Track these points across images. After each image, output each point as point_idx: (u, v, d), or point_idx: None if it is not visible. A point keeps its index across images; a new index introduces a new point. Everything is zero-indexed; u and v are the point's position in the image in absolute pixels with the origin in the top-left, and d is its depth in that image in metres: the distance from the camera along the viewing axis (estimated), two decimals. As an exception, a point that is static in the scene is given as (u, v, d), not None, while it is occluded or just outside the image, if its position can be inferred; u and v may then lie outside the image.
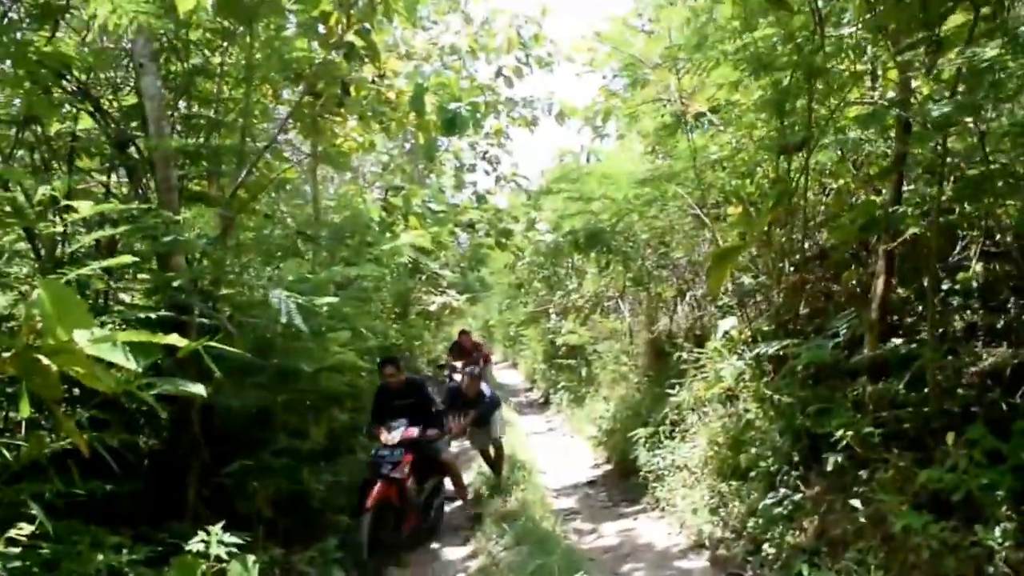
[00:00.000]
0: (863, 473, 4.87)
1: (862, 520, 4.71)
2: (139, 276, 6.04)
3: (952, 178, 5.82)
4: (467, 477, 9.16)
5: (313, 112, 8.94)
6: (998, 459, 4.19)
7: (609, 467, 10.53)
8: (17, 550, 3.04)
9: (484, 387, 9.03)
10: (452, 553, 7.20)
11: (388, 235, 11.73)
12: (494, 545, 6.69)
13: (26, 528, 2.94)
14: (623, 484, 9.39)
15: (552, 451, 12.23)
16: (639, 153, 10.53)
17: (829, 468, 5.05)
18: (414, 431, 7.14)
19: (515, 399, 19.28)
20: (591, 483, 9.99)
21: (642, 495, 8.48)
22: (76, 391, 4.86)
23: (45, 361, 3.33)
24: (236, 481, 5.60)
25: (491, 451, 9.15)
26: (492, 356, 18.14)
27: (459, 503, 8.41)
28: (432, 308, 18.41)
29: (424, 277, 17.25)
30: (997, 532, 3.73)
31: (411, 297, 16.73)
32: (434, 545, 7.44)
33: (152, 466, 5.54)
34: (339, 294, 8.82)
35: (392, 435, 7.02)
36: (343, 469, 7.89)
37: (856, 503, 4.75)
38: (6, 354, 3.60)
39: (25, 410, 3.18)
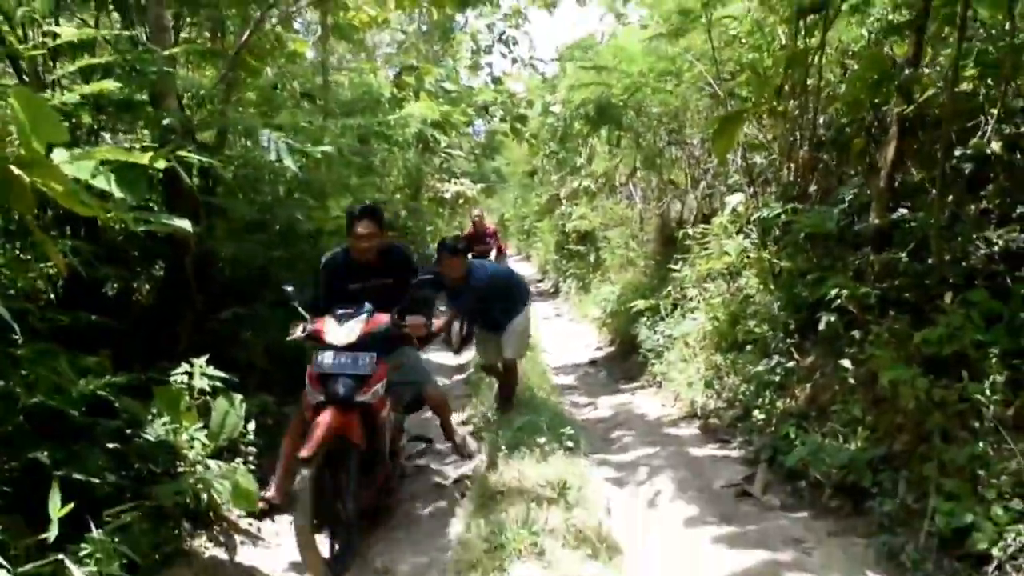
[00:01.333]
0: (857, 334, 4.79)
1: (852, 381, 4.67)
2: (135, 126, 5.93)
3: (972, 60, 5.54)
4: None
5: (323, -21, 8.66)
6: (996, 322, 4.09)
7: (611, 348, 10.56)
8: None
9: (490, 269, 6.03)
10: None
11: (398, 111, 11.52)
12: (488, 409, 6.72)
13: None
14: (624, 363, 9.42)
15: (556, 335, 12.28)
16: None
17: (822, 327, 4.97)
18: (383, 317, 4.47)
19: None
20: (592, 363, 10.04)
21: (641, 373, 8.51)
22: (68, 230, 4.84)
23: (16, 171, 3.25)
24: (229, 330, 5.60)
25: (499, 367, 6.23)
26: (507, 249, 17.93)
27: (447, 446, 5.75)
28: (446, 196, 18.24)
29: (439, 163, 17.03)
30: (986, 385, 3.66)
31: (423, 181, 16.54)
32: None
33: (143, 309, 5.55)
34: (346, 161, 8.74)
35: (346, 328, 4.35)
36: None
37: (847, 363, 4.69)
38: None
39: (-5, 218, 3.11)
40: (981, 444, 3.58)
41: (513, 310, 5.92)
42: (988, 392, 3.64)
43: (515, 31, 17.23)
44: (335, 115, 9.40)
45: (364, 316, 4.39)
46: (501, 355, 5.98)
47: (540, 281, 21.62)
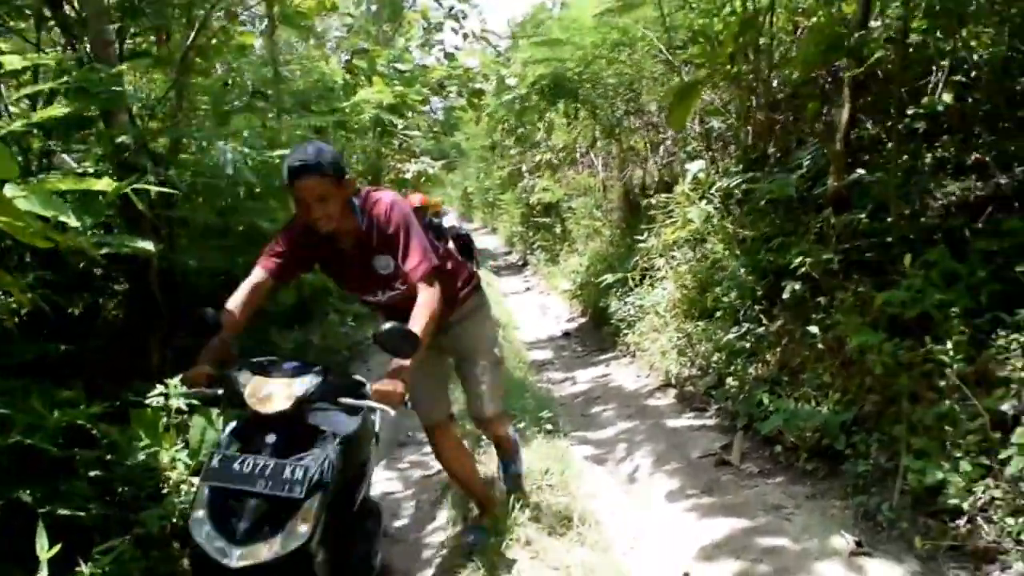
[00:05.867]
0: (822, 300, 4.87)
1: (820, 346, 4.75)
2: (88, 141, 5.84)
3: (923, 10, 5.61)
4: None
5: (268, -31, 8.53)
6: (956, 281, 4.18)
7: (584, 320, 10.64)
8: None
9: None
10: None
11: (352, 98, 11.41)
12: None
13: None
14: (597, 334, 9.50)
15: (528, 308, 12.35)
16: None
17: (786, 296, 5.05)
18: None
19: (493, 263, 19.32)
20: (566, 335, 10.12)
21: (615, 343, 8.59)
22: (28, 257, 4.77)
23: (-32, 211, 3.21)
24: (199, 341, 5.55)
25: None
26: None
27: None
28: (407, 175, 18.13)
29: (399, 144, 16.91)
30: (948, 345, 3.75)
31: (384, 163, 16.42)
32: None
33: (112, 330, 5.50)
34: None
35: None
36: (315, 328, 7.93)
37: (814, 329, 4.77)
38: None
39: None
40: (947, 403, 3.68)
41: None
42: (951, 352, 3.72)
43: (464, 5, 17.10)
44: (288, 110, 9.29)
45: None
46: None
47: (508, 254, 21.65)
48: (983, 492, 3.38)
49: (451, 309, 3.45)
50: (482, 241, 24.44)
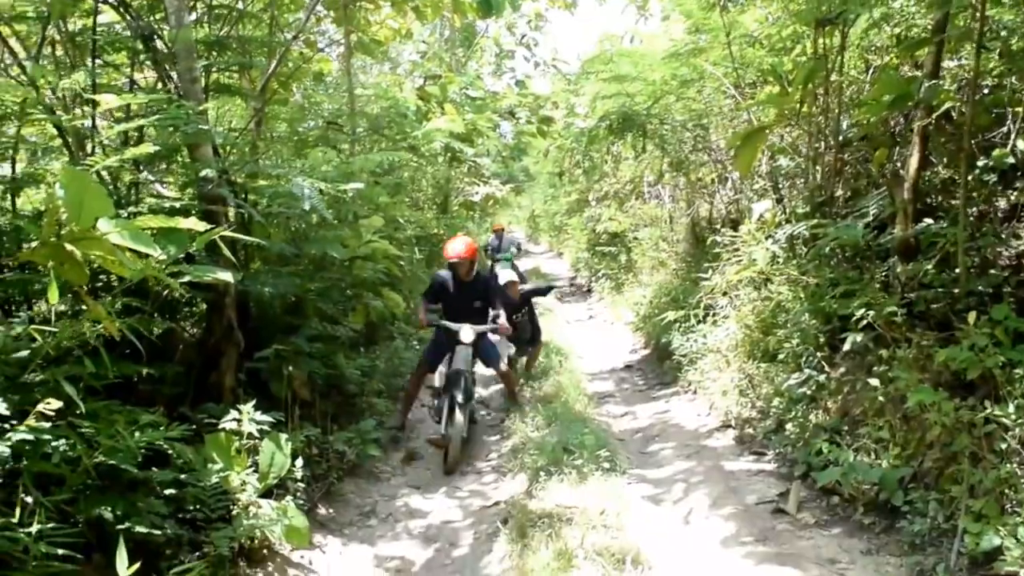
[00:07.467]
0: (884, 353, 4.84)
1: (881, 399, 4.73)
2: (173, 168, 6.16)
3: (998, 53, 5.57)
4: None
5: (344, -1, 8.83)
6: (1021, 340, 4.14)
7: (646, 352, 10.64)
8: (47, 425, 3.20)
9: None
10: (487, 436, 7.42)
11: (424, 124, 11.68)
12: (526, 427, 6.85)
13: (54, 403, 3.10)
14: (658, 368, 9.50)
15: (592, 338, 12.38)
16: (682, 33, 10.19)
17: (847, 348, 5.04)
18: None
19: (559, 287, 19.40)
20: (628, 367, 10.14)
21: (676, 379, 8.59)
22: (114, 280, 5.04)
23: (69, 248, 3.45)
24: (271, 366, 5.78)
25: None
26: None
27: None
28: (475, 199, 18.41)
29: (467, 168, 17.20)
30: (1011, 408, 3.72)
31: (452, 187, 16.70)
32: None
33: (189, 352, 5.75)
34: (376, 182, 8.90)
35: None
36: (381, 354, 8.13)
37: (875, 382, 4.75)
38: (34, 243, 3.75)
39: (54, 296, 3.30)
40: (1008, 466, 3.65)
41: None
42: (1013, 415, 3.69)
43: (536, 33, 17.39)
44: (361, 140, 9.57)
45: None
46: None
47: (573, 279, 21.69)
48: (1042, 560, 3.34)
49: None
50: (548, 265, 24.55)
